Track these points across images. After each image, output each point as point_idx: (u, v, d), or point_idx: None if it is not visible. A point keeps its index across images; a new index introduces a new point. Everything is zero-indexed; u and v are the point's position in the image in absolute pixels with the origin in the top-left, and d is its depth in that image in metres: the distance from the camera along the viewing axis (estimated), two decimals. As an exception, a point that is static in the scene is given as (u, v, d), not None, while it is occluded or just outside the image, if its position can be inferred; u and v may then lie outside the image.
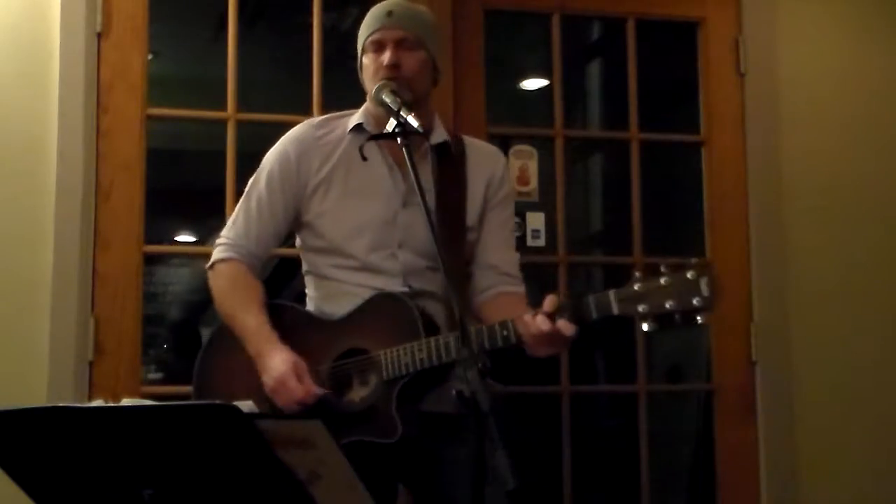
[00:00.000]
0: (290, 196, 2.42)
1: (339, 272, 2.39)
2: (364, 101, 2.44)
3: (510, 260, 2.47)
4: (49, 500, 1.68)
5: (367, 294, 2.32)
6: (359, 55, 2.42)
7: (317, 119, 2.52)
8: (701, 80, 3.68)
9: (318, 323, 2.37)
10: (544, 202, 3.61)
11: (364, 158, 2.37)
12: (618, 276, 4.33)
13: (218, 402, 1.56)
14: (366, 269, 2.36)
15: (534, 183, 3.60)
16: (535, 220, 3.60)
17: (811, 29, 3.71)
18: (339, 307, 2.36)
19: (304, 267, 2.50)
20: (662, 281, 2.03)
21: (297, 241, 2.52)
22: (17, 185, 3.13)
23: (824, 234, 3.61)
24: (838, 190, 3.64)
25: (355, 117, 2.45)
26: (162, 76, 4.04)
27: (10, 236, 3.11)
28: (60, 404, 1.59)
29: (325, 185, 2.40)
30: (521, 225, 3.60)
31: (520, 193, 3.60)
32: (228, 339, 2.38)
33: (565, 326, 2.09)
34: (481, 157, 2.48)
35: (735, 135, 3.63)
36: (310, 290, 2.48)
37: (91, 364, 3.12)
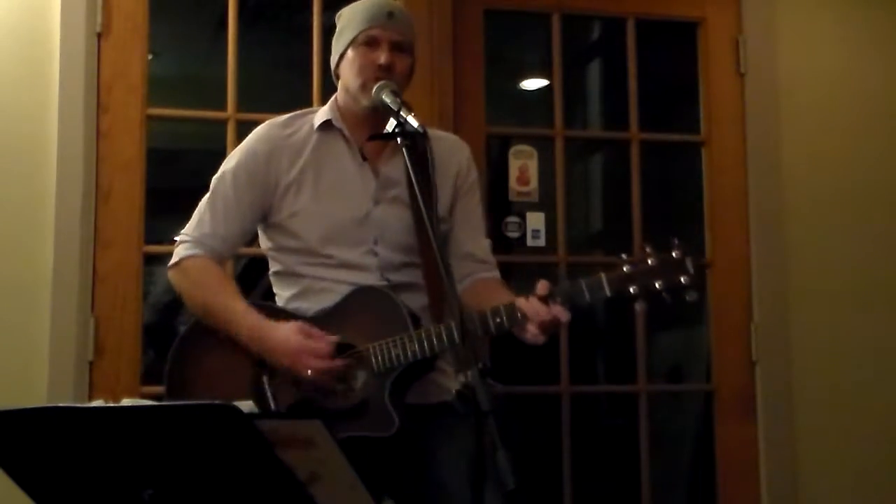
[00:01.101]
0: (257, 195, 2.39)
1: (315, 269, 2.37)
2: None
3: (483, 246, 2.49)
4: (49, 500, 1.68)
5: (345, 289, 2.31)
6: (342, 46, 2.40)
7: (280, 118, 2.48)
8: (701, 80, 3.68)
9: (299, 320, 2.33)
10: (544, 202, 3.61)
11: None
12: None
13: (218, 401, 1.56)
14: (343, 266, 2.34)
15: (534, 183, 3.60)
16: (535, 220, 3.60)
17: (811, 29, 3.71)
18: (316, 303, 2.34)
19: (275, 267, 2.46)
20: (650, 262, 2.11)
21: (264, 243, 2.47)
22: (17, 185, 3.13)
23: (824, 234, 3.61)
24: (838, 189, 3.64)
25: (321, 114, 2.43)
26: (162, 76, 4.03)
27: (10, 236, 3.11)
28: (60, 404, 1.59)
29: (297, 186, 2.38)
30: (522, 225, 3.60)
31: (519, 193, 3.61)
32: (203, 339, 2.34)
33: (560, 312, 2.13)
34: (446, 147, 2.48)
35: (735, 135, 3.63)
36: (280, 290, 2.45)
37: (91, 364, 3.12)
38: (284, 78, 3.92)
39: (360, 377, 2.24)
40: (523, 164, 3.60)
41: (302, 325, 2.24)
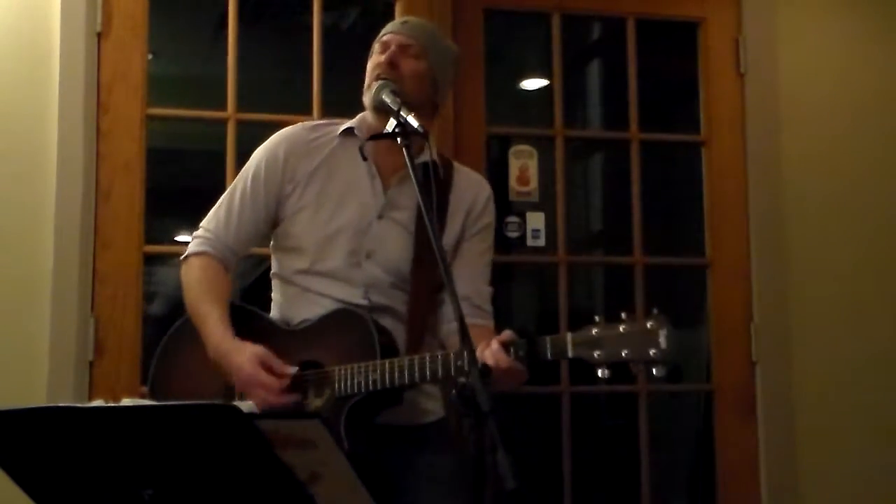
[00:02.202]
0: (272, 194, 2.39)
1: (302, 277, 2.36)
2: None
3: (483, 293, 2.42)
4: (49, 500, 1.68)
5: (327, 304, 2.30)
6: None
7: (311, 123, 2.50)
8: (701, 80, 3.68)
9: (277, 331, 2.34)
10: (544, 202, 3.61)
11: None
12: (618, 277, 4.34)
13: (218, 402, 1.56)
14: (329, 275, 2.33)
15: (534, 183, 3.60)
16: (535, 220, 3.60)
17: (811, 29, 3.71)
18: (299, 314, 2.34)
19: (273, 268, 2.46)
20: (621, 328, 1.98)
21: (270, 242, 2.48)
22: (17, 185, 3.13)
23: (824, 234, 3.61)
24: (838, 190, 3.64)
25: (349, 122, 2.43)
26: (162, 76, 4.04)
27: (11, 237, 3.11)
28: (60, 404, 1.59)
29: (305, 184, 2.38)
30: (522, 225, 3.60)
31: (519, 193, 3.61)
32: (189, 336, 2.34)
33: (503, 360, 2.03)
34: (466, 184, 2.45)
35: (735, 135, 3.63)
36: (275, 294, 2.46)
37: (91, 364, 3.12)
38: (284, 78, 3.92)
39: (324, 397, 2.22)
40: (523, 164, 3.61)
41: (262, 353, 2.20)
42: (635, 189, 3.60)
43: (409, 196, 2.35)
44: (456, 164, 2.51)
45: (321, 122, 2.51)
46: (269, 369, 2.19)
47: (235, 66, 3.32)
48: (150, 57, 3.31)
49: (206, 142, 3.58)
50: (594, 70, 5.36)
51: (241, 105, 3.31)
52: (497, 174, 3.59)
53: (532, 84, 5.08)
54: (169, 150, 4.56)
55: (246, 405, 2.04)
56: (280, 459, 1.52)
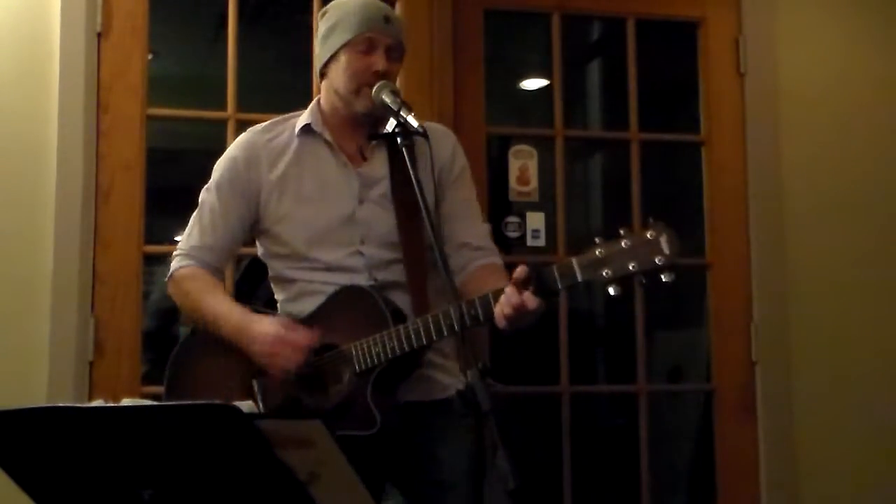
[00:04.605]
0: (241, 202, 2.40)
1: (304, 273, 2.38)
2: None
3: (480, 233, 2.45)
4: (49, 500, 1.68)
5: (331, 291, 2.32)
6: (335, 47, 2.37)
7: (260, 125, 2.49)
8: (701, 80, 3.68)
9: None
10: (544, 202, 3.61)
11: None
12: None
13: (218, 401, 1.56)
14: (330, 269, 2.35)
15: (534, 183, 3.60)
16: (535, 220, 3.60)
17: (811, 29, 3.71)
18: (305, 306, 2.35)
19: (270, 272, 2.48)
20: (623, 244, 2.00)
21: (258, 248, 2.49)
22: (17, 185, 3.13)
23: (824, 234, 3.61)
24: (838, 190, 3.64)
25: (302, 118, 2.43)
26: (162, 76, 4.03)
27: (10, 236, 3.11)
28: (60, 404, 1.59)
29: (279, 190, 2.39)
30: (522, 225, 3.60)
31: (519, 193, 3.61)
32: (200, 347, 2.37)
33: (529, 299, 2.05)
34: (431, 137, 2.44)
35: (735, 135, 3.63)
36: (276, 294, 2.48)
37: (91, 364, 3.12)
38: (284, 78, 3.93)
39: (345, 376, 2.24)
40: (523, 164, 3.60)
41: (284, 318, 2.27)
42: (635, 189, 3.60)
43: (379, 166, 2.38)
44: None
45: (271, 121, 2.49)
46: (295, 329, 2.25)
47: (235, 66, 3.32)
48: (150, 57, 3.31)
49: (206, 142, 3.57)
50: (594, 70, 5.35)
51: (241, 105, 3.32)
52: (497, 174, 3.59)
53: (532, 84, 5.08)
54: (169, 150, 4.56)
55: (246, 405, 2.04)
56: (280, 459, 1.52)
